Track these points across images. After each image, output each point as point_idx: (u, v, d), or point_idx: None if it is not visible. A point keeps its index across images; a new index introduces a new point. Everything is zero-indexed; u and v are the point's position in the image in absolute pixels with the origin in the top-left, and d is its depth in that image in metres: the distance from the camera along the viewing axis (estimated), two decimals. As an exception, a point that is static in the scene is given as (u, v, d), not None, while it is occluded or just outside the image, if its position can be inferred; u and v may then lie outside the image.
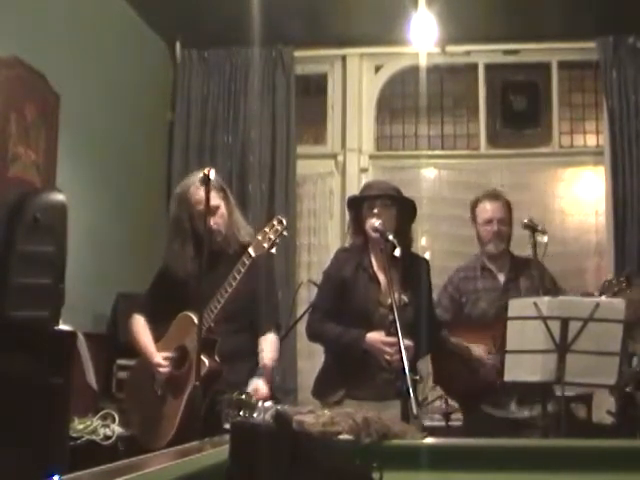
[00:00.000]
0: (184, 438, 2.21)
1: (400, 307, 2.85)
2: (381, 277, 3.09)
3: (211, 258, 2.78)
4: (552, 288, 3.44)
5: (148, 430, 3.01)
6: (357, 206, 3.18)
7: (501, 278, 3.55)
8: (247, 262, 2.85)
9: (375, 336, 2.97)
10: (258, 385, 2.88)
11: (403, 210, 3.16)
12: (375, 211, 3.07)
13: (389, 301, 2.80)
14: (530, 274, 3.45)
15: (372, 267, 3.14)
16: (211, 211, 2.98)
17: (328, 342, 3.18)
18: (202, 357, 2.73)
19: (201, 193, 2.94)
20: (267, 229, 2.85)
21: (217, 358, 2.88)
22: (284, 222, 2.84)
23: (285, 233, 2.85)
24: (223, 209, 3.07)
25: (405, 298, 3.03)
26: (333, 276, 3.19)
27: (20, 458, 2.33)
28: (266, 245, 2.83)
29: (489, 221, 3.53)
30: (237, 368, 2.96)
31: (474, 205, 3.63)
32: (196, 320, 2.76)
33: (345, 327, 3.06)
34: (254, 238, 2.91)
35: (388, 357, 2.91)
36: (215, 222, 3.02)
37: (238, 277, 2.85)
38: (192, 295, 2.92)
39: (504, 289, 3.50)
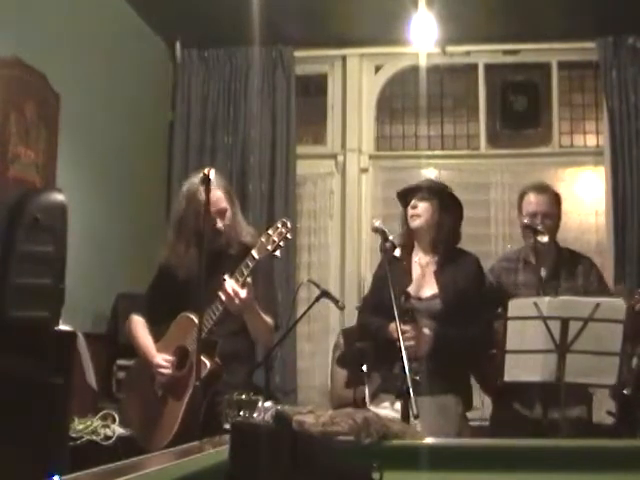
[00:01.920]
0: (184, 439, 2.21)
1: (427, 298, 3.12)
2: (416, 271, 3.20)
3: (213, 259, 2.77)
4: (597, 290, 3.33)
5: (147, 431, 2.99)
6: (403, 202, 3.29)
7: (543, 273, 3.37)
8: (250, 264, 2.81)
9: (394, 325, 2.98)
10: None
11: (446, 205, 3.21)
12: (413, 202, 3.19)
13: (419, 293, 3.13)
14: (574, 273, 3.39)
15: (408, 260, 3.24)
16: (219, 213, 2.98)
17: (367, 334, 3.28)
18: (203, 358, 2.72)
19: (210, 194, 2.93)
20: (271, 232, 2.78)
21: (217, 359, 2.87)
22: (289, 225, 2.77)
23: (289, 236, 2.79)
24: (230, 212, 3.07)
25: (435, 289, 3.13)
26: (377, 271, 3.33)
27: (20, 458, 2.33)
28: (270, 248, 2.77)
29: (533, 214, 3.41)
30: (235, 370, 2.95)
31: (520, 197, 3.53)
32: (196, 321, 2.76)
33: (380, 319, 3.14)
34: (256, 238, 2.89)
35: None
36: (223, 224, 3.02)
37: (240, 279, 2.82)
38: (193, 296, 2.91)
39: (544, 285, 3.33)
